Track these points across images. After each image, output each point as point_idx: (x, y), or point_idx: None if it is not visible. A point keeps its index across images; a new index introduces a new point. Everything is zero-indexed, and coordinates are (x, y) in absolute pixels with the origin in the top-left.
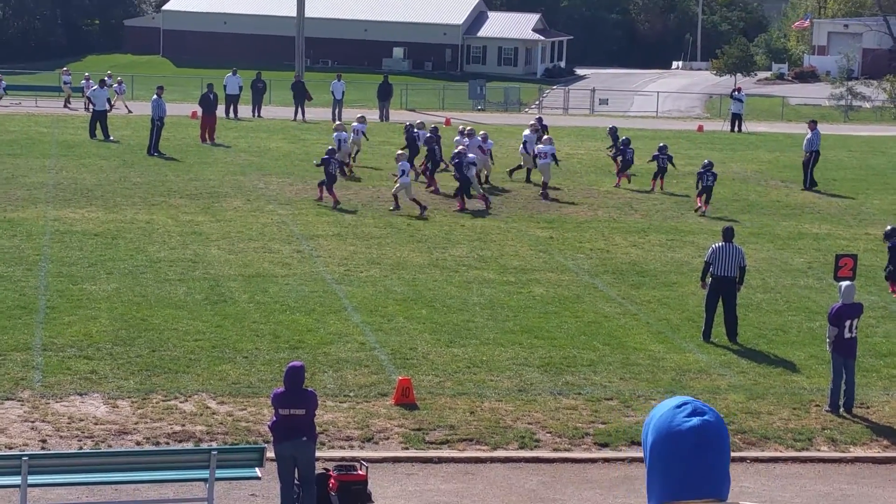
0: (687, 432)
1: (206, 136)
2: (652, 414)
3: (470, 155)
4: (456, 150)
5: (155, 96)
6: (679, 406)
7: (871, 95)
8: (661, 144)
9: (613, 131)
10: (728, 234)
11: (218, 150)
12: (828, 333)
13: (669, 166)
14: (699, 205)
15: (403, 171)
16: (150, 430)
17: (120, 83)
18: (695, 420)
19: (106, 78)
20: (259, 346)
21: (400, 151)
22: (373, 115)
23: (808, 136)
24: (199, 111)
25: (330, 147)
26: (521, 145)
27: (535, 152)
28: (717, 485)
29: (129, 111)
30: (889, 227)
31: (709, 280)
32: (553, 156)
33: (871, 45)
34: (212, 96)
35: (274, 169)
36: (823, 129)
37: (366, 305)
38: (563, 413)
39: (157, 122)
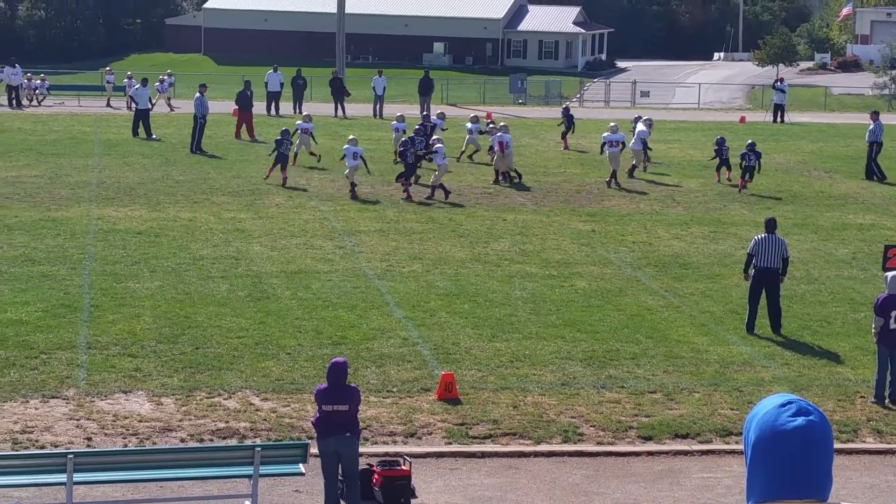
0: (792, 432)
1: (244, 132)
2: (755, 411)
3: (438, 145)
4: (406, 138)
5: (198, 94)
6: (783, 405)
7: None
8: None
9: (566, 111)
10: (771, 225)
11: (259, 146)
12: (873, 324)
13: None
14: (740, 184)
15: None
16: (195, 427)
17: (162, 81)
18: (800, 420)
19: (166, 77)
20: (302, 343)
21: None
22: (413, 110)
23: (871, 126)
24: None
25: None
26: (636, 140)
27: (603, 140)
28: (819, 486)
29: (172, 109)
30: None
31: (752, 272)
32: (623, 144)
33: None
34: (249, 93)
35: (315, 166)
36: (865, 118)
37: (408, 301)
38: (606, 406)
39: (200, 120)
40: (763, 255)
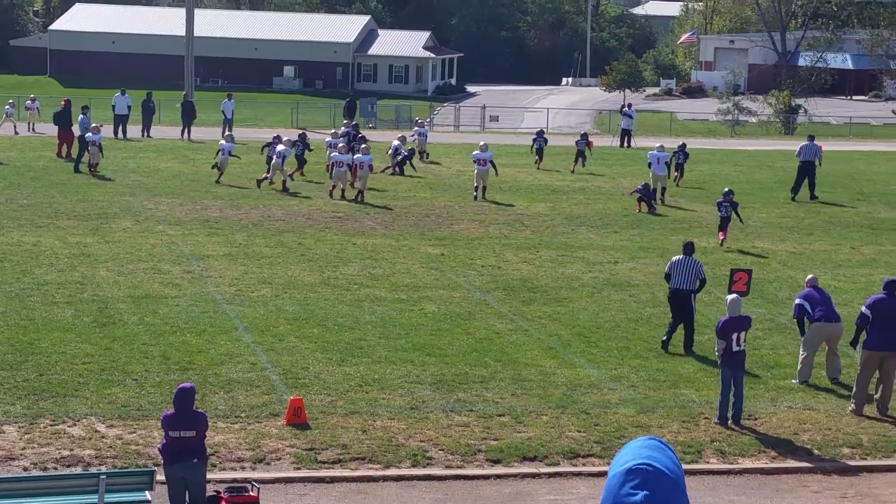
0: None
1: (63, 151)
2: (614, 461)
3: (279, 147)
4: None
5: (81, 115)
6: (630, 473)
7: (756, 110)
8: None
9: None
10: (688, 249)
11: (105, 170)
12: (716, 346)
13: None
14: (720, 238)
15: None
16: (38, 456)
17: (11, 105)
18: (639, 496)
19: (29, 101)
20: (149, 368)
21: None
22: (263, 133)
23: (806, 144)
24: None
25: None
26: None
27: (473, 157)
28: None
29: (16, 132)
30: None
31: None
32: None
33: (756, 61)
34: (67, 112)
35: (164, 189)
36: (709, 143)
37: (257, 325)
38: (455, 430)
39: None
40: (678, 277)
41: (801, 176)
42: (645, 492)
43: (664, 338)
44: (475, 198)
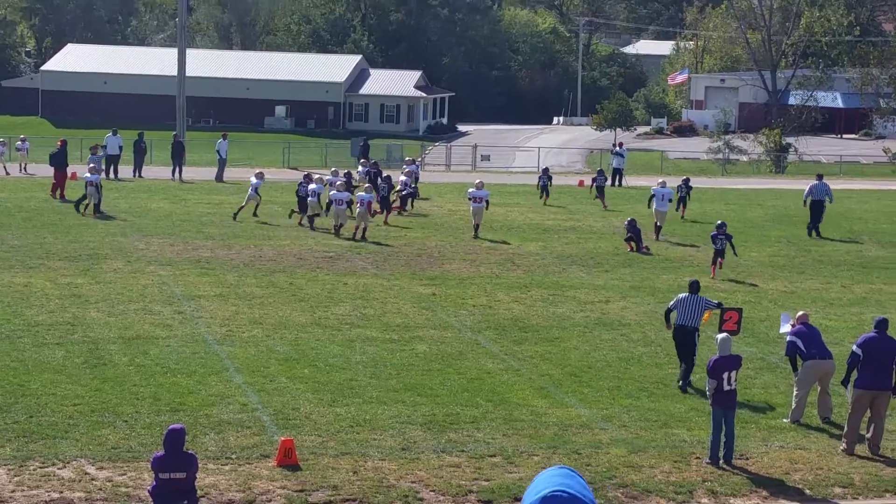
0: None
1: (58, 192)
2: (528, 491)
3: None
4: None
5: (91, 154)
6: (545, 500)
7: (747, 149)
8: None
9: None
10: (694, 287)
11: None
12: (707, 386)
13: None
14: (713, 272)
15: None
16: (27, 499)
17: (3, 144)
18: None
19: (20, 142)
20: (139, 410)
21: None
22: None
23: (816, 184)
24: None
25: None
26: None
27: (469, 195)
28: None
29: (7, 173)
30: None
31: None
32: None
33: (747, 100)
34: (63, 153)
35: (155, 230)
36: (700, 182)
37: (248, 366)
38: (446, 471)
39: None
40: (683, 313)
41: (814, 215)
42: None
43: (679, 383)
44: (476, 235)
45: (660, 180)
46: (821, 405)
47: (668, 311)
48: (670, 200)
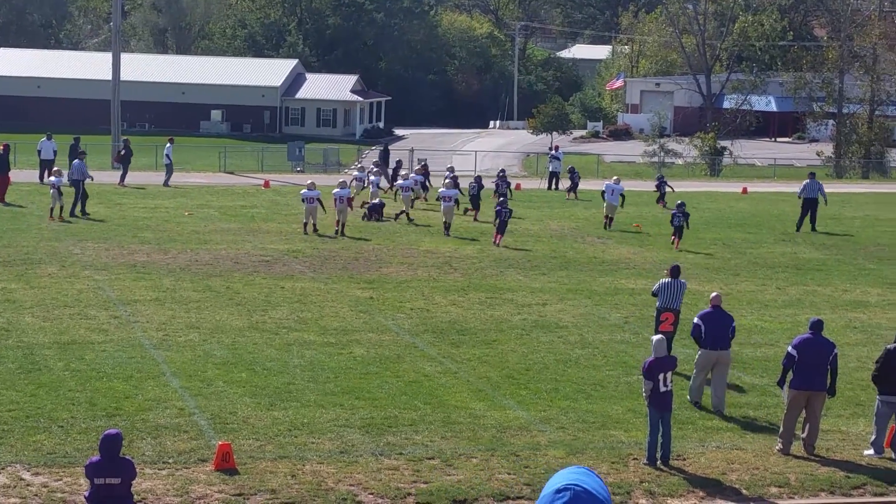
0: None
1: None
2: (545, 487)
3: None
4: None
5: (77, 160)
6: (560, 491)
7: (682, 152)
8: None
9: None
10: (675, 272)
11: (31, 216)
12: (643, 387)
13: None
14: (675, 243)
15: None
16: None
17: None
18: None
19: None
20: (75, 415)
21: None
22: (191, 178)
23: (808, 182)
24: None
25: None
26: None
27: (440, 194)
28: None
29: None
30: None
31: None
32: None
33: (682, 103)
34: (5, 156)
35: (90, 234)
36: (636, 185)
37: (185, 370)
38: (384, 474)
39: (80, 185)
40: (665, 296)
41: (804, 212)
42: None
43: None
44: (447, 234)
45: (614, 177)
46: (715, 396)
47: (654, 294)
48: (622, 195)
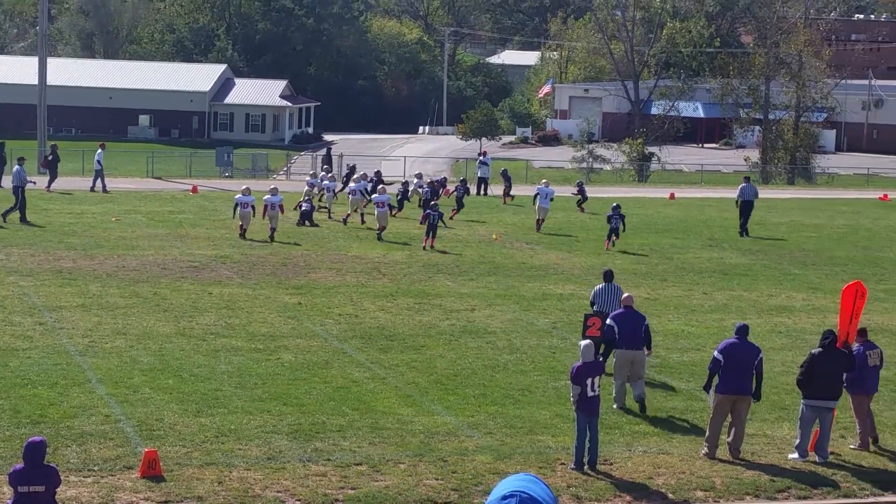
0: None
1: None
2: (491, 494)
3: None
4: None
5: (17, 167)
6: (505, 498)
7: (611, 158)
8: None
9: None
10: (608, 276)
11: None
12: (571, 392)
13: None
14: (607, 246)
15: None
16: None
17: None
18: None
19: None
20: None
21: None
22: (124, 183)
23: (743, 186)
24: None
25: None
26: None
27: (374, 200)
28: None
29: None
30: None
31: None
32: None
33: (610, 109)
34: None
35: (14, 240)
36: (565, 190)
37: (111, 377)
38: (312, 480)
39: (21, 190)
40: (602, 301)
41: (742, 214)
42: None
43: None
44: (379, 237)
45: (543, 180)
46: (634, 388)
47: (592, 304)
48: (551, 199)
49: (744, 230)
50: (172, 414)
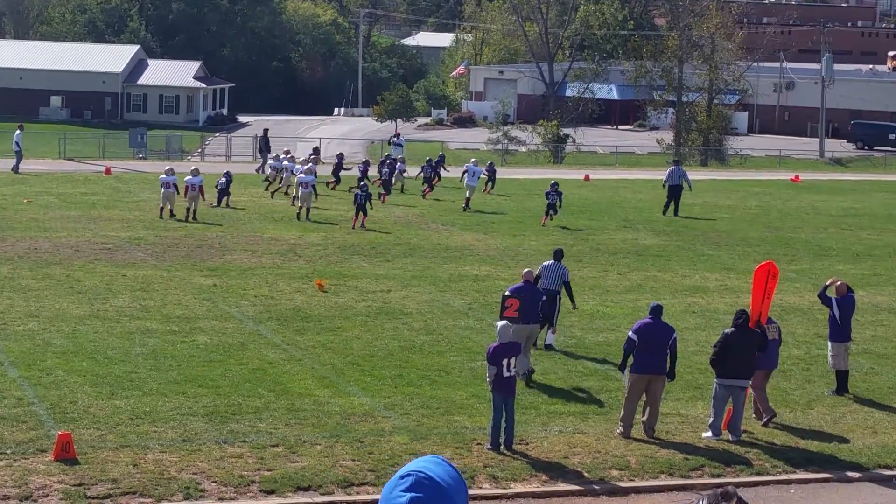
0: None
1: None
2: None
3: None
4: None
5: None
6: (402, 477)
7: (526, 140)
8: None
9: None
10: (558, 255)
11: None
12: (487, 373)
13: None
14: (543, 221)
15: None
16: None
17: None
18: (406, 498)
19: None
20: None
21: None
22: (53, 164)
23: (672, 169)
24: None
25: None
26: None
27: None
28: None
29: None
30: None
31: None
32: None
33: (525, 91)
34: None
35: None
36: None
37: (23, 360)
38: (228, 462)
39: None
40: (547, 279)
41: (669, 198)
42: (413, 494)
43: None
44: (298, 217)
45: (472, 160)
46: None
47: (537, 278)
48: (479, 177)
49: (673, 212)
50: (86, 396)
